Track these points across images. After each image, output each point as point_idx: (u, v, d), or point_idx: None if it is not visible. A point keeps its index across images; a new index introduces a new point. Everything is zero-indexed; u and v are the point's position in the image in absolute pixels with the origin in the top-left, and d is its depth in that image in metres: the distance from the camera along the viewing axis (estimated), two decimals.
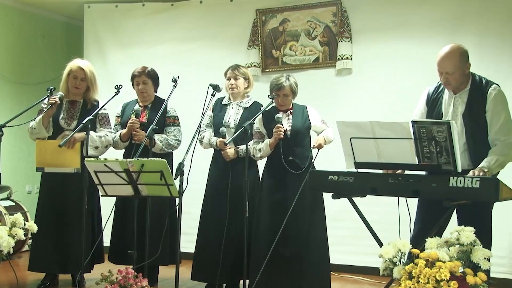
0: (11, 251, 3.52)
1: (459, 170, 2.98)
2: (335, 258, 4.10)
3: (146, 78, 4.24)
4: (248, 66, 5.34)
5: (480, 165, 3.18)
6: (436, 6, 4.85)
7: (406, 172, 3.16)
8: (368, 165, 3.18)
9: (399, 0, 5.00)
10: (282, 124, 3.81)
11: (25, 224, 3.67)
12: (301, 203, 3.84)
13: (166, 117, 4.23)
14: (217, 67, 4.37)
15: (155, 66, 4.40)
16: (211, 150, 4.23)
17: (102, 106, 4.07)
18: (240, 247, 3.90)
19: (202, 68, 5.47)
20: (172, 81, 3.92)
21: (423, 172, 3.18)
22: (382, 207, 3.82)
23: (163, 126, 4.22)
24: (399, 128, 3.01)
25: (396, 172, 3.22)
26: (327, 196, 3.90)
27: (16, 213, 3.93)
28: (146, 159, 3.25)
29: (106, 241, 4.38)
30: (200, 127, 3.82)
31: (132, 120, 4.12)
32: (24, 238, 3.66)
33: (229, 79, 4.19)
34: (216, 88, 3.83)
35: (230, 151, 4.03)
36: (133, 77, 4.29)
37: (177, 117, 4.29)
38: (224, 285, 4.16)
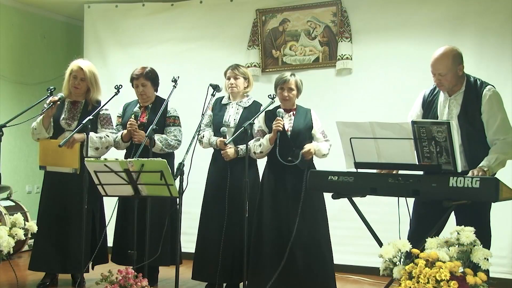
0: (11, 251, 3.52)
1: (459, 170, 2.99)
2: (335, 258, 4.09)
3: (145, 80, 4.23)
4: (248, 66, 5.35)
5: (480, 164, 3.18)
6: (436, 6, 4.85)
7: (406, 172, 3.15)
8: (368, 165, 3.18)
9: (399, 0, 5.00)
10: (282, 118, 3.81)
11: (25, 224, 3.67)
12: (304, 204, 3.84)
13: (166, 117, 4.23)
14: (217, 67, 4.37)
15: (155, 66, 4.40)
16: (211, 150, 4.23)
17: (102, 106, 4.07)
18: (240, 246, 3.90)
19: (202, 68, 5.46)
20: (172, 81, 3.93)
21: (420, 172, 3.18)
22: (382, 207, 3.83)
23: (164, 126, 4.22)
24: (398, 129, 3.02)
25: (393, 172, 3.23)
26: (327, 196, 3.91)
27: (16, 213, 3.93)
28: (146, 159, 3.25)
29: (109, 241, 4.39)
30: (200, 127, 3.82)
31: (130, 122, 4.12)
32: (24, 238, 3.66)
33: (229, 78, 4.19)
34: (216, 88, 3.84)
35: (230, 151, 4.03)
36: (132, 79, 4.28)
37: (178, 117, 4.29)
38: (224, 284, 4.16)
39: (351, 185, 3.17)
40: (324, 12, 5.21)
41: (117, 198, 3.66)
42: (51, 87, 4.09)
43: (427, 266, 2.63)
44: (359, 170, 3.20)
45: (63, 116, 4.16)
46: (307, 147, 3.85)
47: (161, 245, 3.74)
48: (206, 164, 4.24)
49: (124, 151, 4.31)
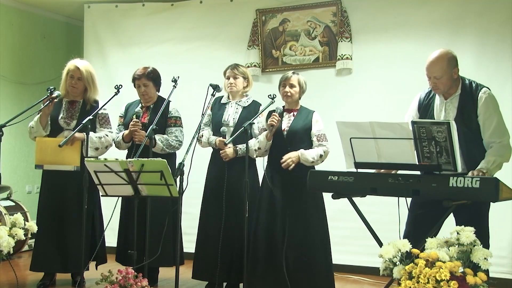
0: (11, 251, 3.52)
1: (459, 170, 2.99)
2: (335, 258, 4.09)
3: (146, 81, 4.23)
4: (248, 66, 5.35)
5: (479, 167, 3.19)
6: (436, 6, 4.85)
7: (406, 172, 3.16)
8: (368, 165, 3.18)
9: (399, 0, 5.00)
10: (278, 115, 3.81)
11: (25, 224, 3.67)
12: (300, 204, 3.84)
13: (168, 117, 4.23)
14: (217, 67, 4.37)
15: (155, 66, 4.39)
16: (211, 150, 4.23)
17: (102, 106, 4.07)
18: (238, 246, 3.91)
19: (202, 68, 5.46)
20: (172, 81, 3.93)
21: (418, 172, 3.19)
22: (382, 207, 3.82)
23: (165, 126, 4.22)
24: (398, 129, 3.02)
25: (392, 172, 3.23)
26: (327, 196, 3.91)
27: (16, 213, 3.93)
28: (146, 159, 3.26)
29: (109, 241, 4.39)
30: (200, 126, 3.83)
31: (133, 122, 4.11)
32: (24, 238, 3.66)
33: (228, 78, 4.19)
34: (216, 88, 3.84)
35: (229, 150, 4.03)
36: (134, 79, 4.28)
37: (179, 117, 4.28)
38: (225, 284, 4.17)
39: (351, 185, 3.17)
40: (324, 12, 5.21)
41: (117, 198, 3.65)
42: (51, 87, 4.09)
43: (427, 266, 2.63)
44: (359, 170, 3.20)
45: (61, 115, 4.16)
46: (285, 157, 3.82)
47: (163, 245, 3.75)
48: (206, 164, 4.24)
49: (126, 151, 4.31)
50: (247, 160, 3.75)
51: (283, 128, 3.92)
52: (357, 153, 3.14)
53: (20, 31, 6.26)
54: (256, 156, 4.06)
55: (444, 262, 2.61)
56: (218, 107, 4.21)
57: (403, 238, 3.19)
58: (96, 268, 4.23)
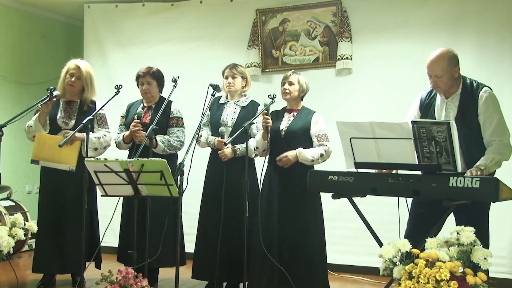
0: (11, 251, 3.53)
1: (459, 170, 2.99)
2: (335, 258, 4.10)
3: (151, 79, 4.23)
4: (248, 66, 5.36)
5: (477, 163, 3.19)
6: (436, 6, 4.84)
7: (406, 172, 3.16)
8: (368, 165, 3.18)
9: (399, 0, 5.00)
10: (268, 115, 3.81)
11: (25, 224, 3.67)
12: (296, 204, 3.84)
13: (169, 118, 4.23)
14: (217, 67, 4.37)
15: (155, 66, 4.39)
16: (210, 150, 4.23)
17: (102, 106, 4.07)
18: (237, 246, 3.91)
19: (202, 68, 5.46)
20: (172, 81, 3.93)
21: (418, 172, 3.19)
22: (382, 207, 3.82)
23: (167, 126, 4.22)
24: (398, 129, 3.02)
25: (392, 172, 3.23)
26: (327, 196, 3.90)
27: (16, 213, 3.93)
28: (146, 159, 3.26)
29: (109, 241, 4.38)
30: (199, 127, 3.83)
31: (134, 123, 4.11)
32: (24, 238, 3.66)
33: (226, 77, 4.19)
34: (216, 88, 3.84)
35: (228, 150, 4.03)
36: (138, 77, 4.28)
37: (181, 118, 4.28)
38: (225, 284, 4.17)
39: (351, 185, 3.17)
40: (324, 12, 5.21)
41: (117, 198, 3.65)
42: (51, 87, 4.09)
43: (427, 266, 2.63)
44: (359, 170, 3.20)
45: (59, 115, 4.16)
46: (282, 155, 3.83)
47: (164, 245, 3.76)
48: (206, 164, 4.24)
49: (127, 151, 4.30)
50: (247, 160, 3.75)
51: (281, 128, 3.92)
52: (357, 153, 3.14)
53: (20, 31, 6.26)
54: (255, 156, 4.06)
55: (444, 262, 2.61)
56: (216, 107, 4.21)
57: (404, 238, 3.20)
58: (100, 267, 4.22)
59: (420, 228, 3.21)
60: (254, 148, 3.96)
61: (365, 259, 4.74)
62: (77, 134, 3.93)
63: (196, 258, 4.17)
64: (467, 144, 3.28)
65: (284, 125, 3.93)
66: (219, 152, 4.06)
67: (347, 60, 5.10)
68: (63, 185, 4.14)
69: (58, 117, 4.16)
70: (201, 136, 4.15)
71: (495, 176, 3.15)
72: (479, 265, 2.65)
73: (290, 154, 3.82)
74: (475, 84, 3.38)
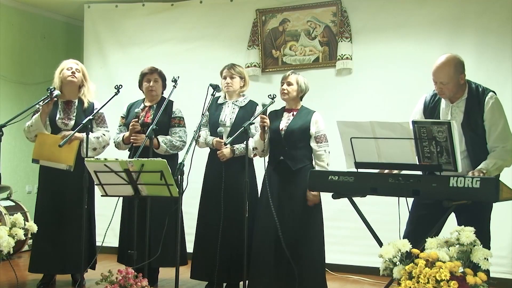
0: (11, 251, 3.52)
1: (460, 170, 2.99)
2: (335, 258, 4.10)
3: (158, 77, 4.26)
4: (248, 66, 5.36)
5: (479, 167, 3.18)
6: (436, 6, 4.84)
7: (406, 172, 3.16)
8: (368, 165, 3.18)
9: (399, 0, 5.00)
10: (265, 116, 3.81)
11: (25, 224, 3.66)
12: (296, 204, 3.84)
13: (171, 118, 4.23)
14: (217, 67, 4.37)
15: (155, 66, 4.39)
16: (209, 150, 4.23)
17: (102, 106, 4.06)
18: (237, 246, 3.91)
19: (202, 68, 5.46)
20: (172, 81, 3.93)
21: (419, 172, 3.18)
22: (382, 207, 3.82)
23: (168, 127, 4.21)
24: (399, 128, 3.01)
25: (393, 172, 3.23)
26: (327, 196, 3.90)
27: (16, 213, 3.92)
28: (146, 159, 3.26)
29: (109, 241, 4.38)
30: (199, 127, 3.83)
31: (132, 123, 4.11)
32: (24, 238, 3.65)
33: (225, 78, 4.19)
34: (216, 88, 3.84)
35: (226, 150, 4.03)
36: (144, 75, 4.27)
37: (183, 118, 4.28)
38: (225, 284, 4.17)
39: (351, 185, 3.17)
40: (324, 12, 5.21)
41: (117, 198, 3.65)
42: (51, 87, 4.09)
43: (427, 266, 2.63)
44: (360, 170, 3.19)
45: (58, 116, 4.16)
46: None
47: (165, 245, 3.75)
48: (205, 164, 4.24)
49: (127, 151, 4.30)
50: (247, 160, 3.75)
51: (281, 128, 3.92)
52: (358, 153, 3.14)
53: (20, 31, 6.26)
54: (254, 156, 4.06)
55: (444, 262, 2.61)
56: (215, 107, 4.21)
57: (404, 238, 3.20)
58: (94, 268, 4.21)
59: (420, 229, 3.21)
60: (253, 148, 3.96)
61: (365, 259, 4.74)
62: (77, 134, 3.93)
63: (195, 258, 4.16)
64: (474, 148, 3.28)
65: (283, 124, 3.93)
66: (217, 152, 4.06)
67: (347, 60, 5.10)
68: (63, 185, 4.13)
69: (57, 118, 4.15)
70: (199, 136, 4.15)
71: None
72: (479, 265, 2.65)
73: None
74: (480, 89, 3.36)
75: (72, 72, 4.17)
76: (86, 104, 4.21)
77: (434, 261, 2.63)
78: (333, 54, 5.19)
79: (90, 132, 4.02)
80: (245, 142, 3.80)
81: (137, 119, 4.12)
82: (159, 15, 5.85)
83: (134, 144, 4.12)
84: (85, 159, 3.38)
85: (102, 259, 4.44)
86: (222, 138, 4.03)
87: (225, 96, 4.24)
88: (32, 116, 4.16)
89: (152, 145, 3.94)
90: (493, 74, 4.50)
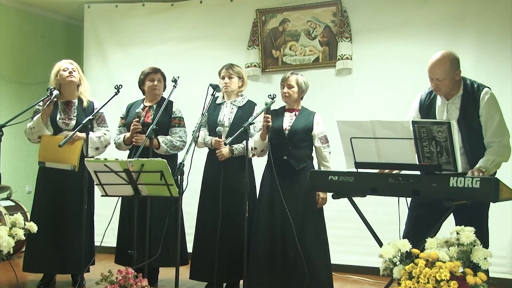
0: (11, 251, 3.52)
1: (459, 170, 2.99)
2: (335, 258, 4.09)
3: (160, 76, 4.28)
4: (248, 66, 5.36)
5: (478, 165, 3.19)
6: (436, 6, 4.84)
7: (406, 172, 3.16)
8: (368, 165, 3.18)
9: (399, 0, 5.00)
10: (268, 116, 3.81)
11: (25, 224, 3.66)
12: (296, 204, 3.84)
13: (171, 118, 4.23)
14: (217, 67, 4.37)
15: (155, 66, 4.39)
16: (208, 150, 4.23)
17: (102, 106, 4.07)
18: (236, 246, 3.91)
19: (202, 68, 5.46)
20: (172, 81, 3.93)
21: (417, 172, 3.18)
22: (382, 207, 3.82)
23: (168, 127, 4.22)
24: (399, 128, 3.02)
25: (393, 172, 3.23)
26: (327, 196, 3.91)
27: (16, 213, 3.92)
28: (146, 159, 3.26)
29: (109, 242, 4.38)
30: (200, 127, 3.83)
31: (133, 124, 4.10)
32: (24, 238, 3.65)
33: (223, 78, 4.20)
34: (216, 88, 3.84)
35: (225, 150, 4.03)
36: (147, 74, 4.26)
37: (182, 118, 4.28)
38: (225, 284, 4.17)
39: (351, 185, 3.17)
40: (324, 12, 5.21)
41: (116, 198, 3.65)
42: (51, 87, 4.10)
43: (427, 266, 2.63)
44: (359, 170, 3.19)
45: (59, 116, 4.16)
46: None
47: (166, 245, 3.75)
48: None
49: (127, 151, 4.30)
50: (247, 160, 3.75)
51: (284, 127, 3.92)
52: (358, 153, 3.14)
53: (20, 31, 6.26)
54: (252, 156, 4.06)
55: (444, 262, 2.61)
56: (213, 107, 4.20)
57: (403, 238, 3.20)
58: (88, 270, 4.20)
59: (419, 229, 3.21)
60: (252, 148, 3.96)
61: (365, 259, 4.74)
62: (79, 134, 3.94)
63: (194, 259, 4.16)
64: (471, 145, 3.29)
65: (287, 124, 3.94)
66: (216, 152, 4.06)
67: (347, 60, 5.10)
68: (63, 185, 4.13)
69: (58, 118, 4.15)
70: (198, 136, 4.15)
71: (495, 176, 3.15)
72: (479, 265, 2.65)
73: None
74: (475, 85, 3.38)
75: (69, 73, 4.18)
76: (85, 103, 4.21)
77: (434, 261, 2.63)
78: (333, 54, 5.19)
79: (91, 132, 4.03)
80: (244, 142, 3.81)
81: (138, 119, 4.12)
82: (159, 15, 5.85)
83: (135, 144, 4.11)
84: (85, 159, 3.39)
85: (101, 259, 4.45)
86: (221, 138, 4.03)
87: (223, 96, 4.24)
88: (32, 117, 4.16)
89: (152, 145, 3.94)
90: (493, 74, 4.50)
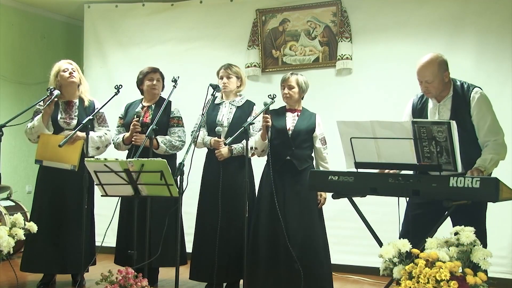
0: (11, 251, 3.52)
1: (459, 170, 2.99)
2: (335, 258, 4.10)
3: (160, 76, 4.29)
4: (248, 66, 5.36)
5: (477, 165, 3.19)
6: (436, 6, 4.84)
7: (406, 172, 3.16)
8: (368, 165, 3.18)
9: (399, 0, 5.00)
10: (268, 116, 3.82)
11: (25, 224, 3.66)
12: (302, 204, 3.84)
13: (170, 118, 4.23)
14: (217, 67, 4.37)
15: (155, 66, 4.39)
16: (207, 150, 4.23)
17: (103, 106, 4.07)
18: (236, 246, 3.91)
19: (202, 68, 5.46)
20: (172, 81, 3.93)
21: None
22: (382, 207, 3.82)
23: (167, 127, 4.22)
24: (399, 128, 3.01)
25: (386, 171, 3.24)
26: (327, 196, 3.91)
27: (16, 213, 3.92)
28: (146, 159, 3.26)
29: (109, 242, 4.38)
30: (199, 127, 3.83)
31: (133, 123, 4.10)
32: (24, 238, 3.65)
33: (221, 78, 4.20)
34: (216, 88, 3.84)
35: (224, 150, 4.03)
36: (146, 74, 4.27)
37: (181, 117, 4.29)
38: (224, 284, 4.16)
39: (351, 185, 3.17)
40: (324, 12, 5.21)
41: (117, 198, 3.65)
42: (51, 87, 4.10)
43: (427, 266, 2.63)
44: (359, 170, 3.19)
45: (60, 116, 4.16)
46: None
47: (166, 245, 3.75)
48: None
49: (126, 151, 4.30)
50: (247, 160, 3.75)
51: (288, 128, 3.92)
52: (358, 153, 3.14)
53: (20, 31, 6.26)
54: (252, 156, 4.06)
55: (444, 262, 2.61)
56: (212, 107, 4.20)
57: (400, 238, 3.20)
58: (88, 270, 4.20)
59: (417, 228, 3.22)
60: (251, 148, 3.96)
61: (365, 259, 4.75)
62: (79, 134, 3.94)
63: (194, 259, 4.16)
64: (464, 145, 3.28)
65: (290, 124, 3.94)
66: (215, 151, 4.06)
67: (347, 60, 5.10)
68: (63, 185, 4.13)
69: (59, 118, 4.16)
70: (197, 136, 4.14)
71: (495, 176, 3.15)
72: (479, 265, 2.65)
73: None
74: (466, 86, 3.39)
75: (70, 73, 4.18)
76: (87, 103, 4.22)
77: (434, 261, 2.63)
78: (333, 54, 5.19)
79: (92, 131, 4.03)
80: (243, 142, 3.81)
81: (138, 119, 4.12)
82: (159, 15, 5.85)
83: (134, 144, 4.11)
84: (85, 159, 3.39)
85: (101, 259, 4.44)
86: (220, 137, 4.03)
87: (222, 96, 4.24)
88: (32, 117, 4.16)
89: (152, 145, 3.94)
90: (493, 74, 4.51)
